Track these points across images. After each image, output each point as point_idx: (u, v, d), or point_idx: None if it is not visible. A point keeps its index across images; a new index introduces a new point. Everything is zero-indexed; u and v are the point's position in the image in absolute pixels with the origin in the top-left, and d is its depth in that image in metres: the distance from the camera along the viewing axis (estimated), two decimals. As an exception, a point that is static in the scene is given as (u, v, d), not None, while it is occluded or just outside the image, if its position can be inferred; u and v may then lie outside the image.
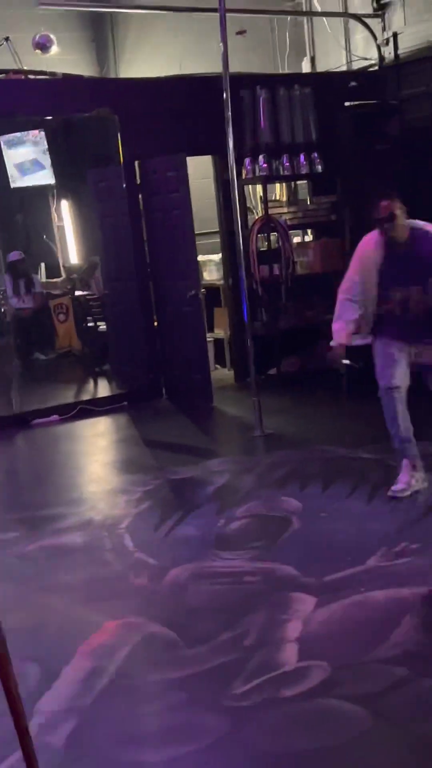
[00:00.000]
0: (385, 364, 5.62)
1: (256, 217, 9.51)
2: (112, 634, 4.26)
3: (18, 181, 12.40)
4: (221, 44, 7.37)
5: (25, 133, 11.76)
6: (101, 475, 7.08)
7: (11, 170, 12.28)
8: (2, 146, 12.05)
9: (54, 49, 10.16)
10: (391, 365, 5.59)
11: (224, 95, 7.39)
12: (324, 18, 10.37)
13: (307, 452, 6.88)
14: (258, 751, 3.27)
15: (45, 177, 12.14)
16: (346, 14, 10.12)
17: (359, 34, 10.07)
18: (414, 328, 5.55)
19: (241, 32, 10.25)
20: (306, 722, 3.41)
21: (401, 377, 5.59)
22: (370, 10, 9.80)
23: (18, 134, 11.81)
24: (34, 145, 11.90)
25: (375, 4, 9.74)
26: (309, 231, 10.10)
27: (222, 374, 9.72)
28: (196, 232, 8.74)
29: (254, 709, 3.50)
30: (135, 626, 4.31)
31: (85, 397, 9.40)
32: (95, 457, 7.63)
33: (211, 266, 10.27)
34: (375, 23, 9.77)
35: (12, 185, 12.43)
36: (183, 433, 7.97)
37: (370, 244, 5.60)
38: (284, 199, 9.93)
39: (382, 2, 9.70)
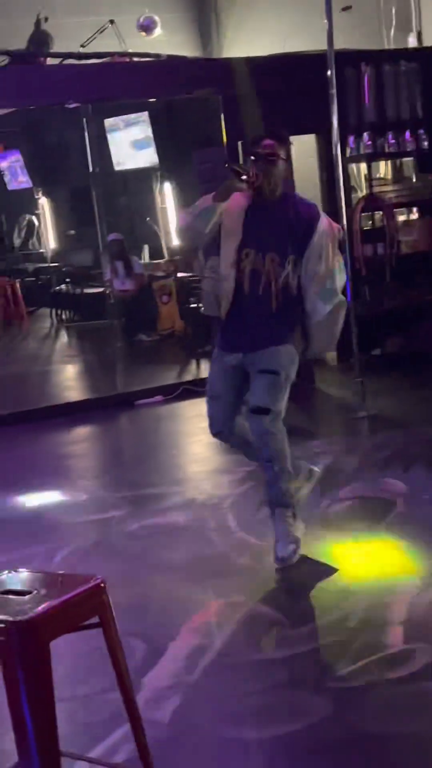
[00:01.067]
0: (210, 393, 4.76)
1: (360, 196, 9.40)
2: (216, 613, 4.29)
3: (123, 163, 12.51)
4: (326, 21, 7.29)
5: (138, 114, 11.87)
6: (204, 455, 7.12)
7: (120, 152, 12.38)
8: (120, 126, 12.15)
9: (158, 30, 10.22)
10: (216, 398, 4.74)
11: (329, 73, 7.31)
12: (431, -9, 10.17)
13: (410, 434, 6.79)
14: (361, 732, 3.26)
15: (151, 157, 12.21)
16: (454, -13, 9.91)
17: (467, 6, 9.85)
18: (258, 326, 4.57)
19: (346, 8, 10.11)
20: (410, 705, 3.38)
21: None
22: None
23: (132, 115, 11.92)
24: (145, 125, 11.99)
25: None
26: (414, 209, 9.94)
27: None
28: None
29: (358, 690, 3.49)
30: (238, 605, 4.33)
31: (188, 378, 9.45)
32: (198, 437, 7.67)
33: (313, 246, 10.20)
34: None
35: (116, 168, 12.56)
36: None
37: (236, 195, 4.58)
38: (389, 177, 9.78)
39: None
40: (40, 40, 8.99)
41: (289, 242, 4.52)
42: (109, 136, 12.41)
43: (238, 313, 4.59)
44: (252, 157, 4.56)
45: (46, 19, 9.05)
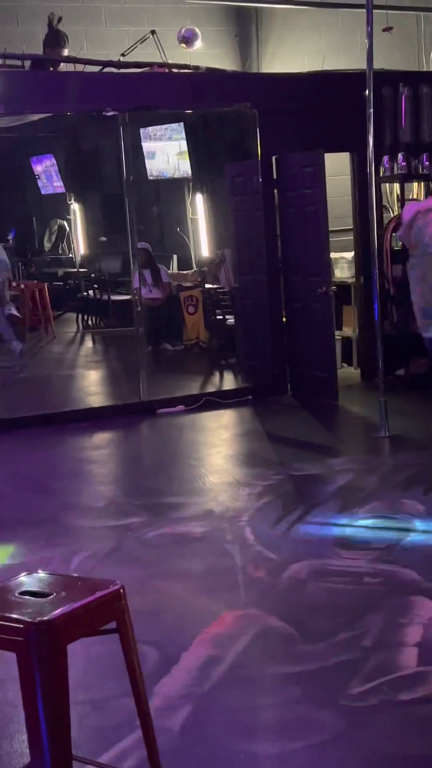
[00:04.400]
0: None
1: (392, 216, 9.41)
2: (230, 625, 4.29)
3: (156, 173, 12.57)
4: (366, 40, 7.31)
5: (174, 124, 11.92)
6: (223, 466, 7.13)
7: (154, 161, 12.44)
8: (155, 135, 12.19)
9: (198, 43, 10.25)
10: None
11: (367, 92, 7.33)
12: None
13: (432, 456, 6.78)
14: (371, 752, 3.25)
15: (185, 168, 12.26)
16: None
17: None
18: None
19: (387, 29, 10.13)
20: (422, 727, 3.37)
21: None
22: None
23: (168, 125, 11.98)
24: (180, 135, 12.04)
25: None
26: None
27: (348, 373, 9.65)
28: (329, 229, 8.70)
29: (370, 710, 3.48)
30: (253, 618, 4.34)
31: (211, 389, 9.48)
32: (218, 448, 7.68)
33: (342, 264, 10.21)
34: None
35: (150, 177, 12.61)
36: (307, 430, 7.95)
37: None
38: (421, 198, 9.78)
39: None
40: (53, 41, 8.98)
41: None
42: (144, 145, 12.47)
43: None
44: None
45: (60, 20, 9.06)
